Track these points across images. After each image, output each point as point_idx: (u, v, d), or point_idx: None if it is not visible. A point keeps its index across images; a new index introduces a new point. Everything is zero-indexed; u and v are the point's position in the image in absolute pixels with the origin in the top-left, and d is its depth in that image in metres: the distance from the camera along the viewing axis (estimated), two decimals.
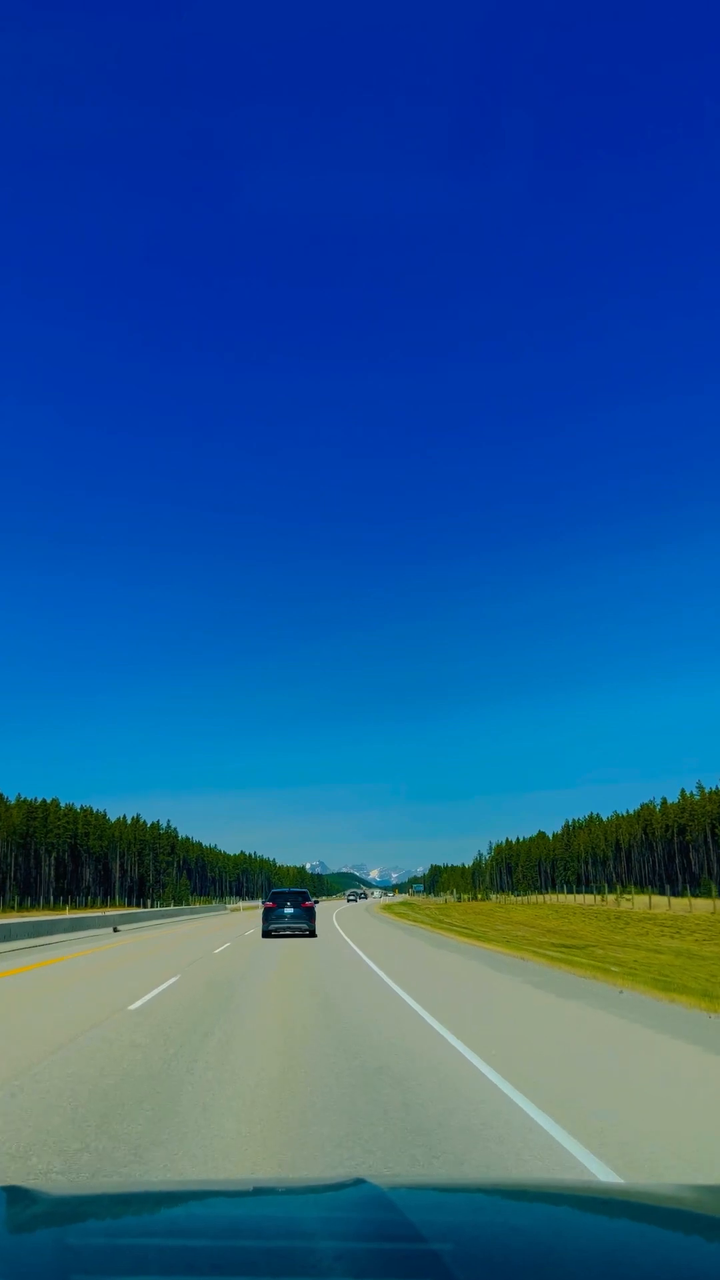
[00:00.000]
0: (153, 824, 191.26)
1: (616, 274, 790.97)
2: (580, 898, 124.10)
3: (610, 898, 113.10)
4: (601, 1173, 4.99)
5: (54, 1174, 5.02)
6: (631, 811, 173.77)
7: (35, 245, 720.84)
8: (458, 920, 62.97)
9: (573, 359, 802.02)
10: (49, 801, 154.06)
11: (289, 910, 30.75)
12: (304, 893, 32.36)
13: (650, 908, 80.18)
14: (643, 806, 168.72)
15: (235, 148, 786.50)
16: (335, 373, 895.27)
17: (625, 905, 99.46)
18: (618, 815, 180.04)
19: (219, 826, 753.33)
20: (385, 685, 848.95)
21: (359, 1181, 2.21)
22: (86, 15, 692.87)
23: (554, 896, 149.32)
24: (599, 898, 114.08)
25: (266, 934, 30.46)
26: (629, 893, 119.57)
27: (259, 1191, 2.51)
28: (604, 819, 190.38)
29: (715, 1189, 2.21)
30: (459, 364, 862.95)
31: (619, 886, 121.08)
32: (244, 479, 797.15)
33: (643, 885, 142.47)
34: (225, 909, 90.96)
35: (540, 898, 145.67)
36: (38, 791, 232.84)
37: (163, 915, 52.31)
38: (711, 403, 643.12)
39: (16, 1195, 2.14)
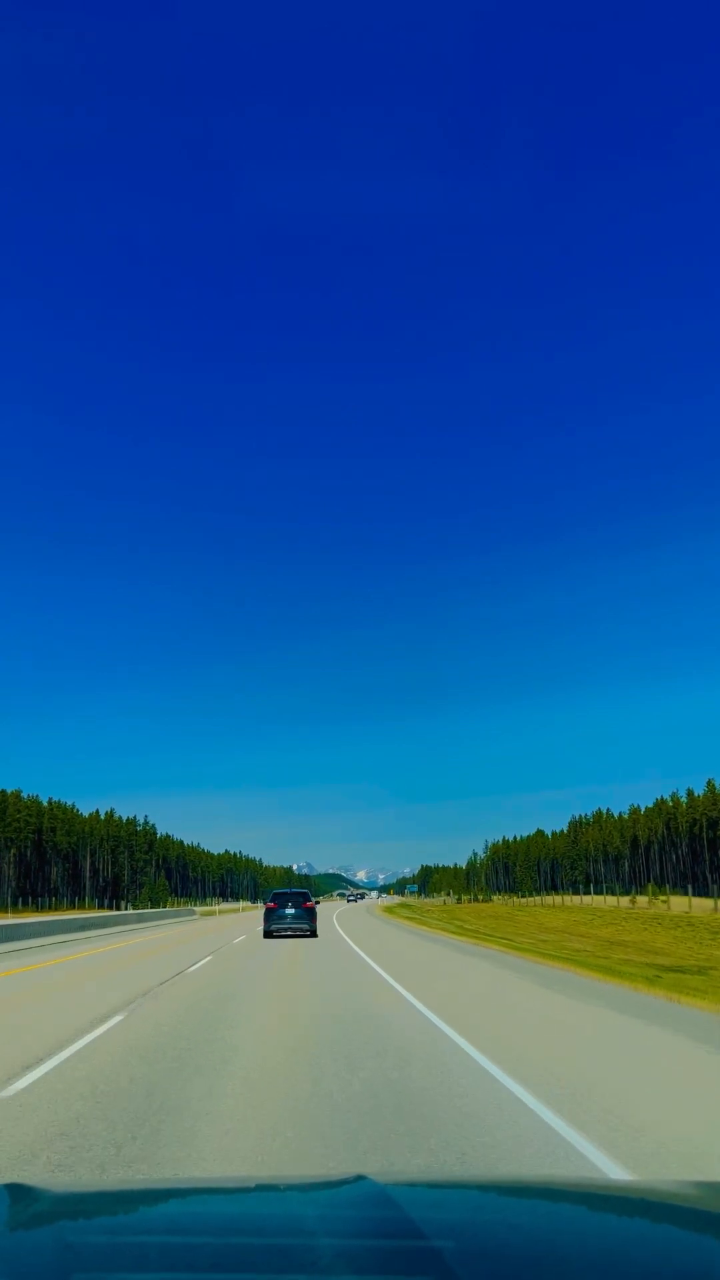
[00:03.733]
0: (128, 819, 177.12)
1: (617, 275, 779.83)
2: (603, 899, 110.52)
3: (641, 899, 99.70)
4: None
5: None
6: (651, 805, 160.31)
7: (33, 246, 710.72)
8: (480, 926, 50.99)
9: (573, 359, 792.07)
10: (9, 792, 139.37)
11: (290, 911, 30.73)
12: (305, 893, 32.15)
13: (717, 911, 66.73)
14: (663, 800, 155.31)
15: (234, 149, 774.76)
16: (333, 373, 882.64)
17: (661, 907, 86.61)
18: (635, 809, 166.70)
19: (203, 827, 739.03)
20: (375, 686, 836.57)
21: (359, 1179, 2.21)
22: (84, 15, 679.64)
23: (564, 898, 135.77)
24: (630, 899, 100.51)
25: (268, 934, 30.23)
26: (651, 893, 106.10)
27: (259, 1189, 2.51)
28: (615, 814, 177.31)
29: (716, 1185, 2.17)
30: (459, 364, 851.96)
31: (650, 886, 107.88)
32: (235, 478, 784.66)
33: (665, 885, 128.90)
34: (194, 914, 70.21)
35: (553, 899, 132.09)
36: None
37: (84, 926, 36.30)
38: (712, 404, 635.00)
39: (18, 1193, 2.12)
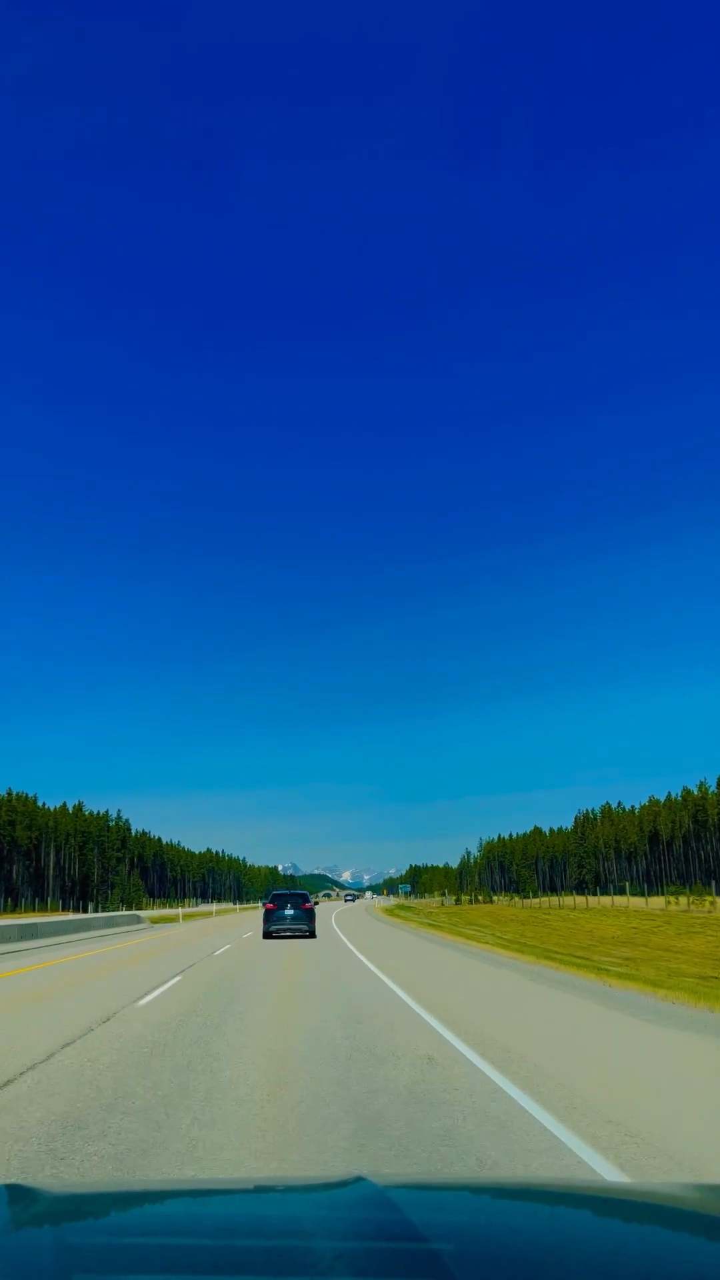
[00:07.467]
0: (99, 814, 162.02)
1: (614, 276, 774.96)
2: (642, 901, 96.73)
3: (681, 899, 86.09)
4: None
5: None
6: (675, 796, 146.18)
7: (36, 246, 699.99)
8: (513, 934, 38.83)
9: (569, 360, 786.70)
10: None
11: (290, 912, 30.57)
12: (304, 895, 32.18)
13: None
14: (689, 791, 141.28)
15: (237, 149, 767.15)
16: (331, 373, 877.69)
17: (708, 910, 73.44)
18: (655, 800, 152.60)
19: (187, 827, 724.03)
20: (363, 686, 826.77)
21: (359, 1180, 2.19)
22: (84, 15, 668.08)
23: (576, 898, 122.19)
24: (674, 900, 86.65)
25: (268, 935, 30.37)
26: (696, 891, 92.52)
27: (259, 1190, 2.50)
28: (629, 808, 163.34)
29: (716, 1188, 2.18)
30: (456, 364, 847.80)
31: (696, 885, 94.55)
32: (226, 477, 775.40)
33: (692, 883, 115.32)
34: (140, 922, 50.36)
35: (569, 899, 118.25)
36: None
37: None
38: (707, 403, 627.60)
39: (17, 1194, 2.11)
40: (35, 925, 31.06)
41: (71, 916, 49.11)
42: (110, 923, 42.63)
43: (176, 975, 17.36)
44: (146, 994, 13.97)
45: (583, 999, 12.97)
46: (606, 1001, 12.57)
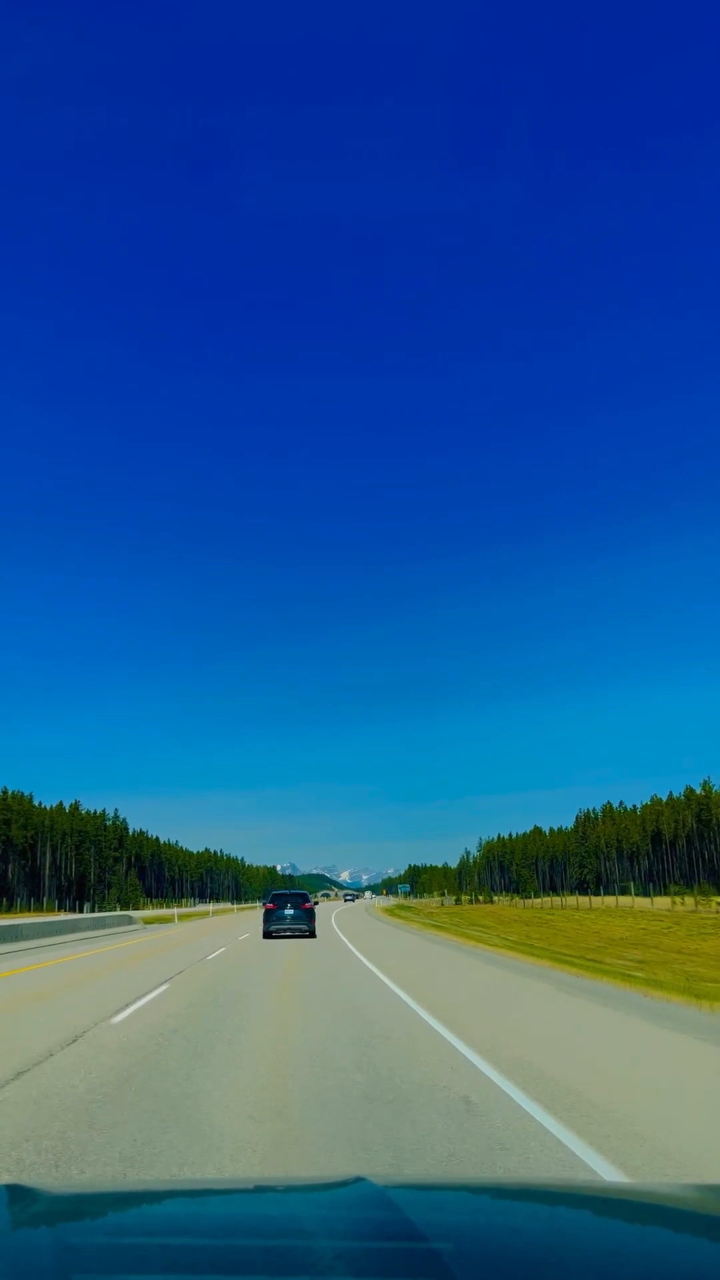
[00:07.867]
0: (97, 812, 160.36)
1: (614, 276, 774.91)
2: (643, 901, 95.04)
3: (688, 900, 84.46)
4: None
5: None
6: (678, 795, 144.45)
7: (36, 246, 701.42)
8: (520, 935, 37.26)
9: (568, 361, 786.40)
10: None
11: (290, 911, 30.47)
12: (304, 895, 32.21)
13: None
14: (692, 790, 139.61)
15: (237, 149, 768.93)
16: (328, 372, 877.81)
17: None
18: (658, 799, 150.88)
19: (184, 826, 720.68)
20: (362, 686, 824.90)
21: (359, 1180, 2.18)
22: (84, 15, 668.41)
23: (583, 899, 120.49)
24: (677, 900, 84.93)
25: (268, 934, 30.25)
26: (687, 893, 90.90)
27: (259, 1190, 2.49)
28: (631, 807, 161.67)
29: (716, 1188, 2.17)
30: (455, 365, 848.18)
31: (701, 884, 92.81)
32: (226, 476, 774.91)
33: (699, 883, 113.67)
34: (133, 923, 47.96)
35: (572, 900, 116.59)
36: None
37: None
38: (707, 403, 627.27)
39: (17, 1194, 2.10)
40: (18, 927, 29.31)
41: (59, 917, 47.21)
42: (100, 924, 40.70)
43: (163, 983, 15.64)
44: (125, 1007, 12.25)
45: (628, 1015, 11.30)
46: (655, 1018, 10.91)
